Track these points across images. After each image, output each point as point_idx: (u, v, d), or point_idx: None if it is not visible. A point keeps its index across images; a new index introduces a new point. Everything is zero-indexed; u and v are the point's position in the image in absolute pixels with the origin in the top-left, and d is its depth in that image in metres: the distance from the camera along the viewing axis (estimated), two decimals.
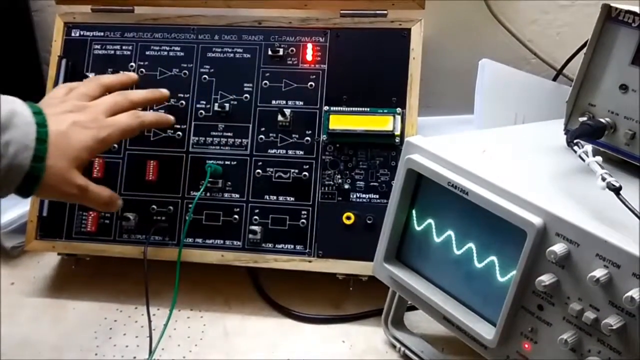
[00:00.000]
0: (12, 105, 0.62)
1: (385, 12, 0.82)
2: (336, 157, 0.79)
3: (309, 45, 0.82)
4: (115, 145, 0.83)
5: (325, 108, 0.80)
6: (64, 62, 0.85)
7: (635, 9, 0.55)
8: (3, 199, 0.65)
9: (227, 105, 0.82)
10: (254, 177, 0.81)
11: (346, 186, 0.79)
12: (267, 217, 0.80)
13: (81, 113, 0.68)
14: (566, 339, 0.49)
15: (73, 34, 0.87)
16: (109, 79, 0.76)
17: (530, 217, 0.50)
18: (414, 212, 0.63)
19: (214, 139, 0.82)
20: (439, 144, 0.60)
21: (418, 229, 0.62)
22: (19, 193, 0.63)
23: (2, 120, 0.59)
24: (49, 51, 0.88)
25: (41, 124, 0.63)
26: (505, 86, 0.86)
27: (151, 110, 0.80)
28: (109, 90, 0.75)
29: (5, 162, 0.60)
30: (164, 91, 0.78)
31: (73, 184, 0.66)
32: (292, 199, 0.79)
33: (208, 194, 0.81)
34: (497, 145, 0.66)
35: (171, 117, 0.77)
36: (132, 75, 0.79)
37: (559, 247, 0.48)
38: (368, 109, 0.79)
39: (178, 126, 0.82)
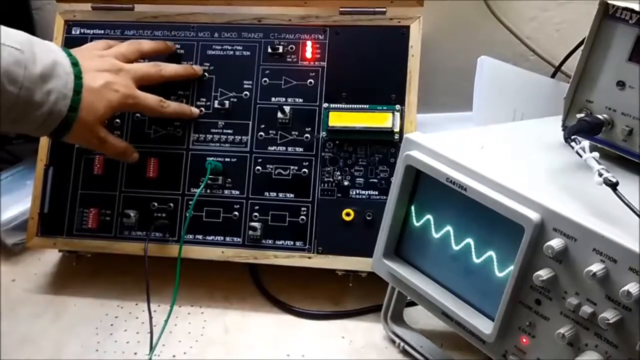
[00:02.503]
0: (55, 55, 0.68)
1: (385, 9, 0.82)
2: (335, 153, 0.80)
3: (309, 43, 0.82)
4: None
5: (325, 105, 0.81)
6: None
7: (632, 6, 0.56)
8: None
9: (227, 102, 0.82)
10: (254, 174, 0.81)
11: (345, 183, 0.79)
12: (267, 213, 0.80)
13: (116, 75, 0.73)
14: (563, 333, 0.49)
15: (73, 32, 0.88)
16: (148, 45, 0.81)
17: (527, 213, 0.51)
18: (412, 208, 0.63)
19: (214, 136, 0.82)
20: (438, 141, 0.60)
21: (417, 224, 0.63)
22: (51, 136, 0.71)
23: (46, 70, 0.65)
24: None
25: (78, 76, 0.69)
26: (503, 83, 0.87)
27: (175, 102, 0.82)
28: (145, 57, 0.80)
29: (47, 109, 0.66)
30: (197, 68, 0.83)
31: (96, 135, 0.73)
32: (291, 195, 0.80)
33: (208, 191, 0.81)
34: (496, 142, 0.66)
35: (195, 110, 0.82)
36: (170, 46, 0.83)
37: (556, 242, 0.49)
38: (367, 106, 0.79)
39: (178, 123, 0.83)
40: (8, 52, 0.63)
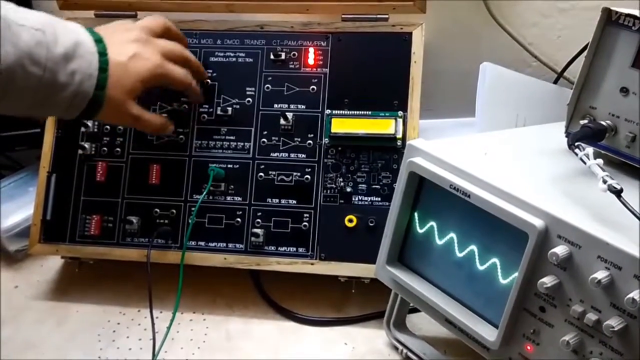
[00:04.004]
0: (77, 35, 0.66)
1: (387, 16, 0.82)
2: (338, 160, 0.80)
3: (311, 49, 0.83)
4: (119, 149, 0.83)
5: (327, 111, 0.81)
6: None
7: (635, 12, 0.56)
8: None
9: (229, 109, 0.82)
10: (257, 181, 0.81)
11: (348, 189, 0.79)
12: (270, 220, 0.80)
13: (143, 46, 0.72)
14: (568, 341, 0.49)
15: None
16: (171, 24, 0.79)
17: (532, 220, 0.50)
18: (416, 214, 0.63)
19: (217, 142, 0.82)
20: (441, 147, 0.60)
21: (420, 231, 0.63)
22: (83, 117, 0.70)
23: (68, 50, 0.64)
24: None
25: (102, 53, 0.67)
26: (506, 89, 0.87)
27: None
28: (168, 35, 0.78)
29: (72, 89, 0.65)
30: (206, 73, 0.83)
31: (129, 113, 0.71)
32: (294, 202, 0.80)
33: (211, 198, 0.81)
34: (499, 148, 0.66)
35: (202, 98, 0.82)
36: (185, 38, 0.82)
37: (560, 249, 0.49)
38: (370, 112, 0.79)
39: (181, 130, 0.83)
40: (29, 33, 0.61)
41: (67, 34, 0.65)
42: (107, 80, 0.67)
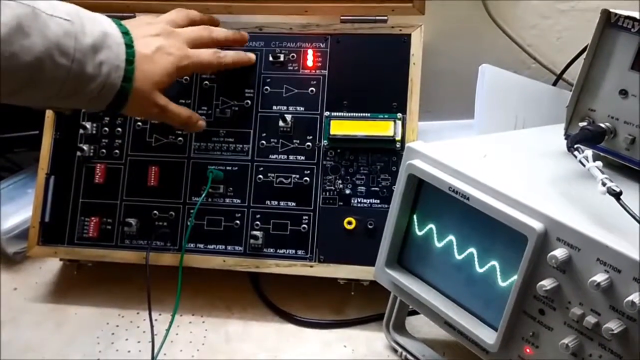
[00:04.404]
0: (104, 26, 0.66)
1: (386, 17, 0.82)
2: (337, 162, 0.80)
3: (310, 51, 0.82)
4: (117, 151, 0.83)
5: (326, 113, 0.80)
6: None
7: (634, 14, 0.56)
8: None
9: (228, 111, 0.82)
10: (256, 183, 0.81)
11: (347, 191, 0.79)
12: (269, 222, 0.80)
13: (167, 38, 0.72)
14: (567, 344, 0.49)
15: None
16: (196, 14, 0.79)
17: (531, 222, 0.50)
18: (415, 217, 0.63)
19: (216, 144, 0.82)
20: (440, 149, 0.60)
21: (419, 233, 0.63)
22: (110, 109, 0.69)
23: (96, 41, 0.64)
24: None
25: (129, 45, 0.67)
26: (505, 91, 0.87)
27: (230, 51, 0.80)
28: (194, 24, 0.78)
29: (100, 81, 0.65)
30: (245, 35, 0.82)
31: (155, 104, 0.71)
32: (293, 204, 0.80)
33: (209, 200, 0.81)
34: (498, 150, 0.66)
35: (252, 56, 0.81)
36: (215, 19, 0.82)
37: (559, 252, 0.49)
38: (369, 114, 0.79)
39: (179, 132, 0.83)
40: (57, 23, 0.61)
41: (94, 24, 0.65)
42: (134, 72, 0.67)
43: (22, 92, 0.62)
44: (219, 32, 0.78)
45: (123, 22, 0.70)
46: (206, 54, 0.75)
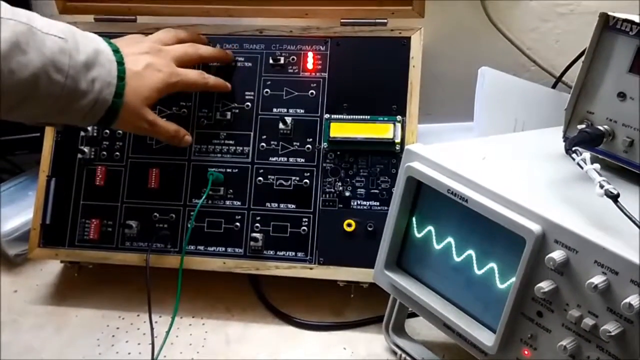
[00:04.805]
0: (96, 44, 0.68)
1: (385, 21, 0.82)
2: (337, 164, 0.80)
3: (310, 54, 0.83)
4: (118, 154, 0.83)
5: (326, 116, 0.81)
6: None
7: (632, 17, 0.56)
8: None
9: (228, 113, 0.83)
10: (256, 185, 0.81)
11: (347, 193, 0.79)
12: (269, 224, 0.80)
13: (156, 56, 0.74)
14: (565, 346, 0.49)
15: None
16: (183, 33, 0.82)
17: (529, 225, 0.51)
18: (414, 219, 0.63)
19: (216, 147, 0.83)
20: (439, 152, 0.60)
21: (418, 236, 0.63)
22: (100, 125, 0.71)
23: (89, 58, 0.66)
24: None
25: (120, 62, 0.69)
26: (504, 93, 0.87)
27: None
28: (181, 42, 0.80)
29: (92, 97, 0.66)
30: (229, 53, 0.84)
31: (145, 119, 0.73)
32: (293, 206, 0.80)
33: (210, 202, 0.81)
34: (497, 153, 0.66)
35: (229, 86, 0.82)
36: (203, 38, 0.84)
37: (557, 254, 0.49)
38: (368, 117, 0.80)
39: None
40: (53, 40, 0.63)
41: (87, 42, 0.67)
42: (124, 89, 0.69)
43: (19, 108, 0.63)
44: (205, 50, 0.81)
45: (112, 40, 0.72)
46: (193, 74, 0.77)
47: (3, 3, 0.61)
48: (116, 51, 0.70)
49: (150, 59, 0.73)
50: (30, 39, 0.61)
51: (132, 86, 0.70)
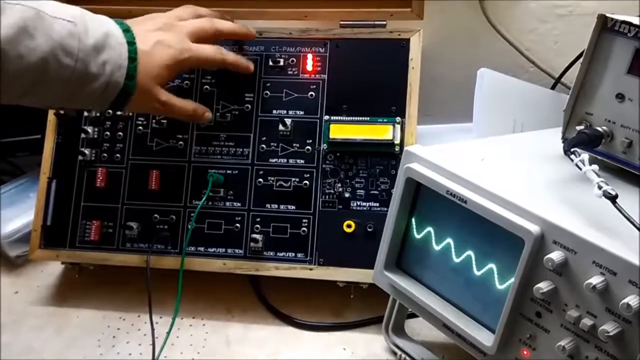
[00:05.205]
0: (106, 26, 0.67)
1: (385, 22, 0.83)
2: (336, 165, 0.80)
3: (309, 56, 0.83)
4: (118, 155, 0.84)
5: (326, 117, 0.81)
6: None
7: (630, 19, 0.56)
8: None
9: (228, 115, 0.83)
10: (256, 186, 0.81)
11: (347, 194, 0.79)
12: (269, 225, 0.80)
13: (167, 32, 0.72)
14: (564, 346, 0.50)
15: None
16: (203, 9, 0.79)
17: (528, 225, 0.51)
18: (413, 220, 0.63)
19: (216, 148, 0.83)
20: (438, 153, 0.60)
21: (418, 237, 0.63)
22: (113, 108, 0.69)
23: (98, 41, 0.65)
24: None
25: (131, 42, 0.67)
26: (503, 95, 0.87)
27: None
28: (200, 17, 0.77)
29: (103, 80, 0.65)
30: (252, 30, 0.81)
31: (157, 99, 0.71)
32: (293, 207, 0.80)
33: (210, 203, 0.81)
34: (496, 154, 0.66)
35: (252, 65, 0.80)
36: (225, 15, 0.81)
37: (556, 255, 0.49)
38: (368, 118, 0.80)
39: (180, 136, 0.83)
40: (61, 24, 0.62)
41: (96, 25, 0.66)
42: (136, 70, 0.68)
43: (30, 93, 0.63)
44: (223, 24, 0.78)
45: (127, 20, 0.70)
46: (208, 50, 0.74)
47: None
48: (127, 30, 0.68)
49: (161, 35, 0.71)
50: (38, 23, 0.60)
51: (142, 65, 0.68)
